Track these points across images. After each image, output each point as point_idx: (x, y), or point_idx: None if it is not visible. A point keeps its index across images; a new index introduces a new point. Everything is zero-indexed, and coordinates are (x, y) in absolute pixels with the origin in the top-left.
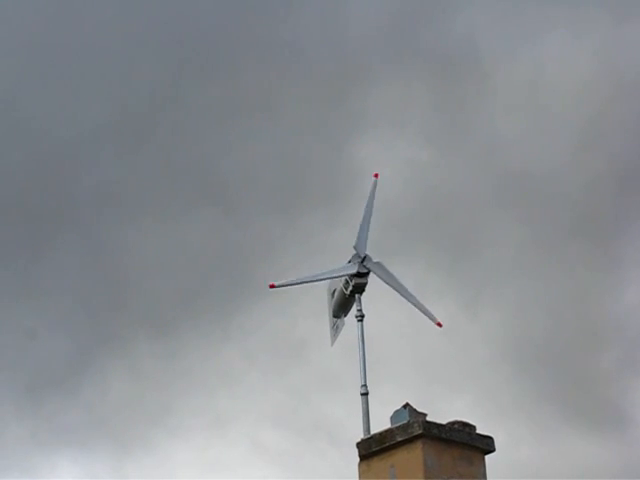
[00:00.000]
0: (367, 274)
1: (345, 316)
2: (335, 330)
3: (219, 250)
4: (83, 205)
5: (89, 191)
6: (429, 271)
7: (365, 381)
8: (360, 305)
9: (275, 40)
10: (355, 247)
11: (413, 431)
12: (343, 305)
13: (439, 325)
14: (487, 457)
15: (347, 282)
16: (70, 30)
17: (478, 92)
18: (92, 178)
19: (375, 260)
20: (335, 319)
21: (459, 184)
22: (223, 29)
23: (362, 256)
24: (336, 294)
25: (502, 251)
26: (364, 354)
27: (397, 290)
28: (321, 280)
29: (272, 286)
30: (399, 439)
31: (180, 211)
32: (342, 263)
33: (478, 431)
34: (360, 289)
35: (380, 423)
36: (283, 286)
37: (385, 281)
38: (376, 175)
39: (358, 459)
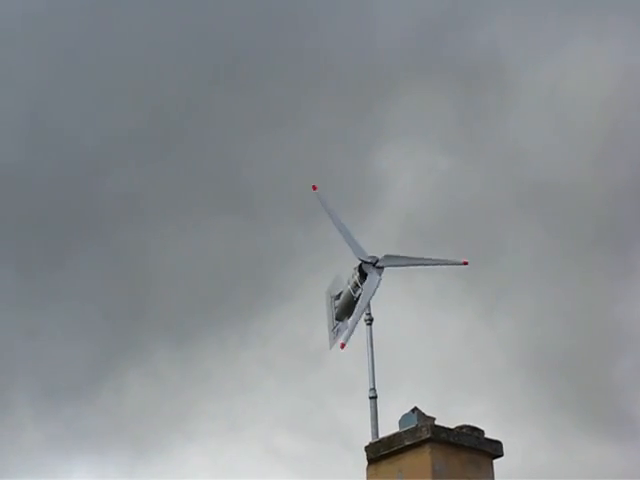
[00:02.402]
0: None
1: (348, 319)
2: (336, 333)
3: (240, 258)
4: (106, 212)
5: (112, 199)
6: (449, 279)
7: (374, 385)
8: (369, 308)
9: (301, 52)
10: (359, 257)
11: (421, 435)
12: (348, 308)
13: (465, 263)
14: (501, 463)
15: (356, 285)
16: (99, 40)
17: (500, 102)
18: (115, 186)
19: (382, 255)
20: (337, 322)
21: (480, 193)
22: (250, 40)
23: (373, 261)
24: (342, 297)
25: (521, 259)
26: (373, 358)
27: (416, 264)
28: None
29: (342, 346)
30: (407, 443)
31: (202, 219)
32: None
33: (491, 436)
34: None
35: (393, 428)
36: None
37: (402, 265)
38: (314, 188)
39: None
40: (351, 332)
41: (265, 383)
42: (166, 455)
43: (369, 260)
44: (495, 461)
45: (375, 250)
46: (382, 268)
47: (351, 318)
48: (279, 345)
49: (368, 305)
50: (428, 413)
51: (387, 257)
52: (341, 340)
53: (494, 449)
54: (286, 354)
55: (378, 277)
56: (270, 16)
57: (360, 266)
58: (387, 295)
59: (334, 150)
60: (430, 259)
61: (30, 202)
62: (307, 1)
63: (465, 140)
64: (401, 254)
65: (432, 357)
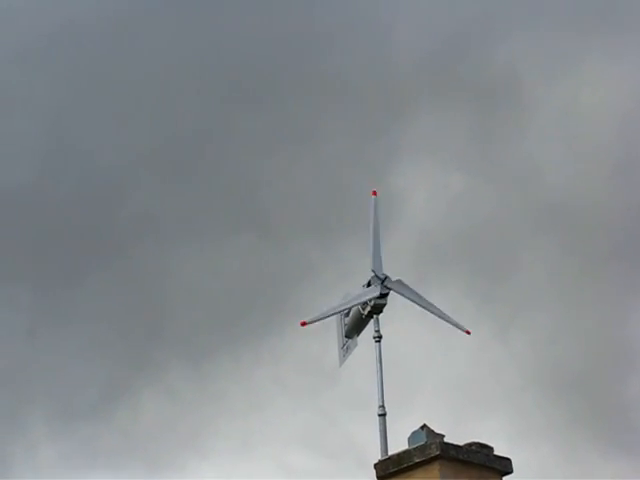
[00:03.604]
0: (387, 295)
1: (358, 336)
2: (345, 350)
3: (256, 276)
4: (123, 232)
5: (129, 218)
6: (464, 297)
7: (383, 402)
8: (378, 326)
9: (319, 71)
10: (373, 270)
11: (430, 452)
12: (358, 326)
13: (468, 333)
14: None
15: (365, 302)
16: (117, 60)
17: (516, 121)
18: (132, 205)
19: (395, 279)
20: (346, 339)
21: (495, 211)
22: (268, 60)
23: (382, 278)
24: (351, 314)
25: (536, 277)
26: (382, 375)
27: (421, 305)
28: (350, 307)
29: (303, 324)
30: (416, 460)
31: (218, 238)
32: (360, 287)
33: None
34: (378, 310)
35: (406, 445)
36: (314, 322)
37: (408, 298)
38: (374, 193)
39: None
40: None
41: (278, 401)
42: (180, 473)
43: (380, 276)
44: (505, 478)
45: (389, 268)
46: (388, 291)
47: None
48: (293, 363)
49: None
50: (441, 430)
51: (399, 282)
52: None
53: (504, 466)
54: (299, 372)
55: (378, 293)
56: (288, 36)
57: (369, 282)
58: (400, 313)
59: (350, 169)
60: (437, 309)
61: (47, 221)
62: (325, 21)
63: (480, 158)
64: (413, 287)
65: (446, 374)
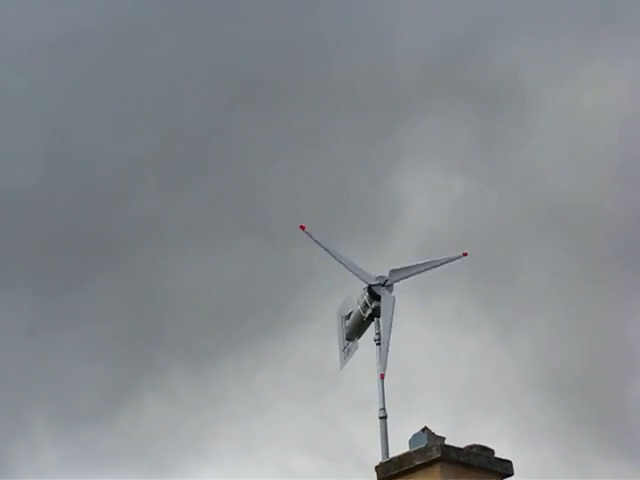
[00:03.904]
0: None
1: (359, 339)
2: (346, 353)
3: (257, 280)
4: (124, 235)
5: (131, 221)
6: (466, 299)
7: (384, 405)
8: (379, 328)
9: (321, 75)
10: (367, 282)
11: (431, 455)
12: (358, 328)
13: (465, 254)
14: None
15: (366, 305)
16: (118, 65)
17: (518, 123)
18: (134, 209)
19: (393, 294)
20: (347, 342)
21: (497, 214)
22: (269, 64)
23: (382, 282)
24: (352, 316)
25: (538, 280)
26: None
27: (419, 271)
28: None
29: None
30: (417, 463)
31: (219, 241)
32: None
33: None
34: (379, 313)
35: (405, 448)
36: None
37: (409, 276)
38: (302, 227)
39: None
40: (385, 360)
41: (280, 404)
42: (181, 476)
43: (377, 282)
44: None
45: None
46: (392, 285)
47: (381, 347)
48: (294, 366)
49: (390, 327)
50: (443, 433)
51: (393, 272)
52: (380, 371)
53: (504, 468)
54: (301, 375)
55: (391, 296)
56: (292, 39)
57: (370, 287)
58: (404, 316)
59: (353, 172)
60: (433, 261)
61: (49, 225)
62: (329, 24)
63: (483, 161)
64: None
65: (448, 377)
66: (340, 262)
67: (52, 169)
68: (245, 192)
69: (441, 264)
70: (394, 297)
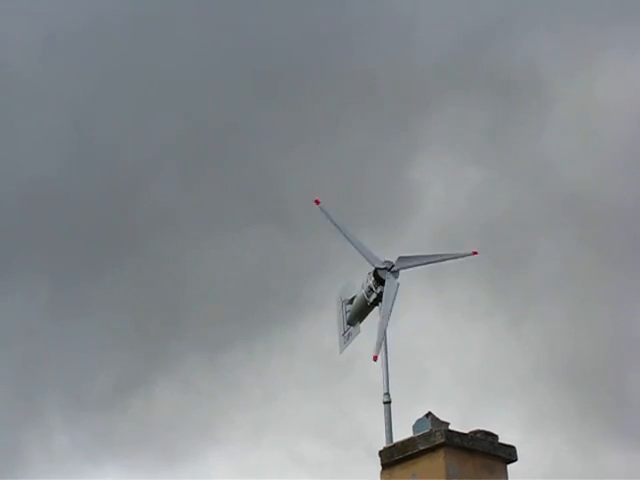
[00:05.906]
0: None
1: (360, 323)
2: (347, 337)
3: (273, 268)
4: (141, 224)
5: (148, 210)
6: (480, 289)
7: (388, 390)
8: None
9: (340, 67)
10: (374, 265)
11: (435, 440)
12: (361, 313)
13: (475, 253)
14: (528, 469)
15: (371, 289)
16: (140, 55)
17: (535, 115)
18: (152, 197)
19: (398, 280)
20: (348, 326)
21: (511, 205)
22: (289, 56)
23: (388, 267)
24: (355, 301)
25: (552, 269)
26: (387, 362)
27: (428, 262)
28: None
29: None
30: (421, 448)
31: (235, 230)
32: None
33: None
34: None
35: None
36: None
37: (416, 265)
38: (317, 202)
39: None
40: (380, 343)
41: (291, 391)
42: (193, 462)
43: (384, 266)
44: (520, 467)
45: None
46: (398, 272)
47: (377, 329)
48: (306, 354)
49: (390, 312)
50: (454, 419)
51: (401, 259)
52: (374, 353)
53: (508, 454)
54: (312, 362)
55: (396, 282)
56: (311, 32)
57: (375, 271)
58: (416, 304)
59: (369, 163)
60: (442, 254)
61: (67, 214)
62: (346, 18)
63: (498, 152)
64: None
65: (460, 365)
66: (349, 241)
67: (72, 158)
68: (262, 181)
69: (450, 259)
70: (398, 283)
